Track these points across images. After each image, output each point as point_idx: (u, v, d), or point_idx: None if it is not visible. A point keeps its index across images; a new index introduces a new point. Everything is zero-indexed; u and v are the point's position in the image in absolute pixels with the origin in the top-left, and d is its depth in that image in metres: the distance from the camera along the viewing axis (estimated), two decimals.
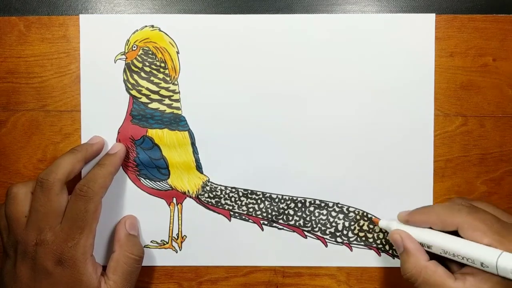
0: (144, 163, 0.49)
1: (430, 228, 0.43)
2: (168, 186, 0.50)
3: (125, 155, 0.49)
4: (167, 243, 0.50)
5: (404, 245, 0.43)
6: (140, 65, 0.49)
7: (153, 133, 0.49)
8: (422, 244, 0.43)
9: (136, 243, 0.48)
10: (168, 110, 0.49)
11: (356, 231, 0.50)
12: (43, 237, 0.43)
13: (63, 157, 0.45)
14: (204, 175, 0.50)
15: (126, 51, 0.49)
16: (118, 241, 0.47)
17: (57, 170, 0.44)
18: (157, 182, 0.50)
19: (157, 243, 0.50)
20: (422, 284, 0.41)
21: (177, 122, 0.49)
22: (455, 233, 0.41)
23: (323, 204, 0.49)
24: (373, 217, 0.49)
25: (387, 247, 0.49)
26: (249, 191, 0.50)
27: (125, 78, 0.49)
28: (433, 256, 0.42)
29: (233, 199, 0.50)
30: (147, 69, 0.49)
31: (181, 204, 0.50)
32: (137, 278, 0.47)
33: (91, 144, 0.48)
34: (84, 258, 0.43)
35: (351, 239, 0.50)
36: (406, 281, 0.42)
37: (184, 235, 0.50)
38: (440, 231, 0.42)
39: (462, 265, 0.41)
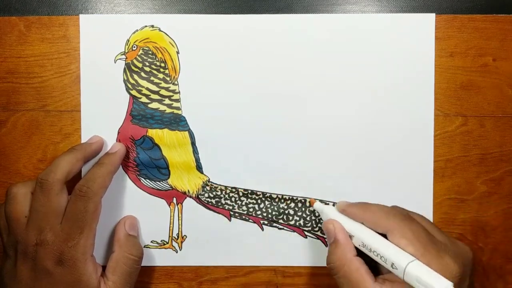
0: (144, 163, 0.49)
1: (363, 224, 0.43)
2: (168, 186, 0.50)
3: (124, 155, 0.49)
4: (167, 243, 0.50)
5: (335, 236, 0.43)
6: (140, 65, 0.49)
7: (153, 133, 0.49)
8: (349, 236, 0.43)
9: (136, 243, 0.47)
10: (168, 110, 0.49)
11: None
12: (43, 237, 0.43)
13: (62, 157, 0.45)
14: (204, 175, 0.50)
15: (126, 51, 0.49)
16: (118, 242, 0.47)
17: (56, 170, 0.44)
18: (157, 182, 0.49)
19: (157, 243, 0.50)
20: (342, 278, 0.41)
21: (177, 122, 0.49)
22: (384, 236, 0.41)
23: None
24: (310, 198, 0.49)
25: None
26: (249, 191, 0.49)
27: (125, 78, 0.49)
28: (365, 258, 0.42)
29: (233, 199, 0.49)
30: (147, 69, 0.49)
31: (181, 204, 0.50)
32: (137, 278, 0.47)
33: (90, 144, 0.48)
34: (84, 258, 0.43)
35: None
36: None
37: (184, 235, 0.50)
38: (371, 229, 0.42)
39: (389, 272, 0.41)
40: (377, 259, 0.40)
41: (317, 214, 0.49)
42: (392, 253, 0.39)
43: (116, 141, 0.49)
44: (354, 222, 0.43)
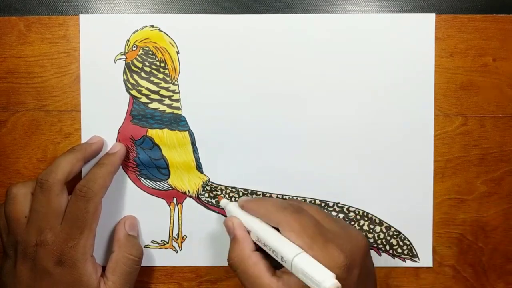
0: (144, 163, 0.49)
1: (260, 219, 0.43)
2: (168, 186, 0.49)
3: (125, 155, 0.48)
4: (167, 243, 0.50)
5: (234, 232, 0.43)
6: (140, 65, 0.49)
7: (153, 133, 0.49)
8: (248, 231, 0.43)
9: (135, 243, 0.47)
10: (168, 110, 0.49)
11: None
12: (43, 237, 0.43)
13: (62, 157, 0.45)
14: (204, 175, 0.49)
15: (126, 51, 0.49)
16: (117, 242, 0.47)
17: (56, 171, 0.44)
18: (157, 182, 0.49)
19: (157, 243, 0.50)
20: (241, 273, 0.41)
21: (177, 122, 0.49)
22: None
23: (323, 204, 0.49)
24: (218, 195, 0.49)
25: (387, 247, 0.49)
26: (249, 191, 0.49)
27: (125, 78, 0.49)
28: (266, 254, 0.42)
29: (233, 199, 0.49)
30: (147, 69, 0.49)
31: (181, 204, 0.49)
32: (136, 278, 0.47)
33: (90, 144, 0.48)
34: (84, 258, 0.43)
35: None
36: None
37: (184, 235, 0.50)
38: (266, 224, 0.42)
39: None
40: (270, 253, 0.40)
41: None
42: (281, 247, 0.39)
43: (116, 141, 0.49)
44: (252, 218, 0.43)
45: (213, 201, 0.50)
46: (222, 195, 0.49)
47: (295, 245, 0.39)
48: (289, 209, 0.41)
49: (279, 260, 0.39)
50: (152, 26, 0.49)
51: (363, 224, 0.49)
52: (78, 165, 0.45)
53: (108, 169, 0.46)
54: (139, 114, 0.49)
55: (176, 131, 0.49)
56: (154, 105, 0.49)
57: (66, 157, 0.45)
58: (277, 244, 0.39)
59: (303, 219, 0.40)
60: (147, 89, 0.49)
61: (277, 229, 0.41)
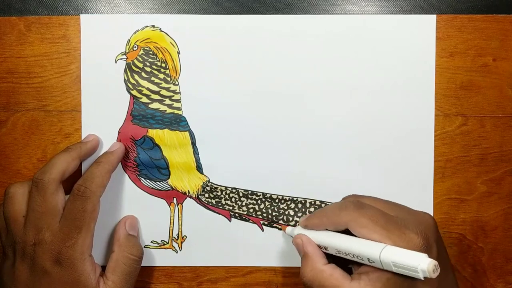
0: (144, 163, 0.49)
1: (327, 230, 0.42)
2: (168, 186, 0.49)
3: (123, 154, 0.48)
4: (167, 243, 0.49)
5: (303, 249, 0.42)
6: (141, 65, 0.49)
7: (154, 133, 0.49)
8: (320, 247, 0.42)
9: (136, 243, 0.47)
10: (169, 110, 0.49)
11: None
12: (41, 236, 0.42)
13: (57, 156, 0.45)
14: (205, 175, 0.49)
15: (127, 51, 0.48)
16: (118, 241, 0.46)
17: (51, 170, 0.43)
18: (158, 182, 0.49)
19: (157, 243, 0.49)
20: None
21: (177, 122, 0.49)
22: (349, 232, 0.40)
23: (323, 205, 0.49)
24: (282, 224, 0.49)
25: None
26: (250, 192, 0.49)
27: (126, 78, 0.49)
28: (337, 261, 0.41)
29: (233, 199, 0.49)
30: (148, 69, 0.49)
31: (182, 204, 0.49)
32: (136, 278, 0.46)
33: (85, 142, 0.47)
34: (82, 257, 0.43)
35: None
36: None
37: (184, 235, 0.49)
38: (336, 231, 0.41)
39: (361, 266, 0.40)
40: (356, 259, 0.39)
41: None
42: (363, 248, 0.38)
43: (117, 141, 0.49)
44: (321, 233, 0.42)
45: (213, 201, 0.49)
46: (285, 225, 0.49)
47: (373, 240, 0.38)
48: (350, 207, 0.40)
49: (366, 263, 0.38)
50: (153, 26, 0.49)
51: None
52: (73, 163, 0.45)
53: (105, 167, 0.45)
54: (140, 114, 0.49)
55: (177, 131, 0.49)
56: (154, 105, 0.49)
57: (61, 156, 0.45)
58: (359, 247, 0.38)
59: (369, 212, 0.39)
60: (148, 89, 0.49)
61: (346, 231, 0.40)
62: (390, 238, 0.37)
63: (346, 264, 0.41)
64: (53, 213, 0.43)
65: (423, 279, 0.35)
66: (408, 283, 0.37)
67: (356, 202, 0.41)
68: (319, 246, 0.42)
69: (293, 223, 0.49)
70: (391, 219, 0.39)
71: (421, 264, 0.35)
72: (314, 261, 0.41)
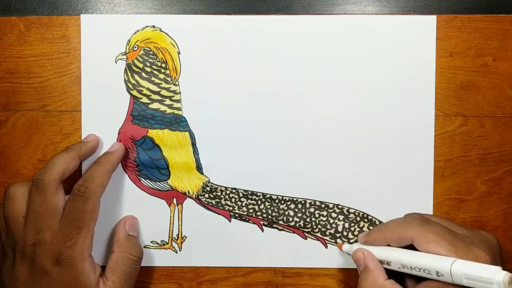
0: (144, 163, 0.49)
1: (388, 245, 0.43)
2: (168, 186, 0.49)
3: (123, 154, 0.48)
4: (167, 243, 0.49)
5: (365, 263, 0.43)
6: (141, 65, 0.48)
7: (154, 133, 0.49)
8: (382, 262, 0.42)
9: (135, 243, 0.47)
10: (169, 111, 0.49)
11: (356, 233, 0.49)
12: (41, 236, 0.42)
13: (57, 156, 0.45)
14: (205, 175, 0.49)
15: (127, 51, 0.48)
16: (117, 242, 0.46)
17: (51, 170, 0.43)
18: (158, 183, 0.49)
19: (157, 243, 0.49)
20: None
21: (177, 122, 0.49)
22: (412, 247, 0.41)
23: (323, 205, 0.49)
24: (338, 243, 0.49)
25: None
26: (250, 192, 0.49)
27: (126, 78, 0.48)
28: (394, 277, 0.42)
29: (233, 199, 0.49)
30: (148, 69, 0.48)
31: (181, 204, 0.49)
32: (136, 278, 0.46)
33: (85, 142, 0.47)
34: (82, 258, 0.42)
35: (351, 241, 0.49)
36: None
37: (184, 236, 0.49)
38: (398, 247, 0.42)
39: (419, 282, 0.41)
40: (421, 274, 0.39)
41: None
42: (432, 261, 0.38)
43: (117, 142, 0.49)
44: (382, 248, 0.43)
45: (213, 202, 0.49)
46: (341, 243, 0.49)
47: (441, 255, 0.39)
48: (415, 222, 0.41)
49: (433, 277, 0.38)
50: (153, 27, 0.48)
51: (363, 226, 0.49)
52: (73, 163, 0.45)
53: (105, 168, 0.45)
54: (140, 115, 0.49)
55: (177, 131, 0.49)
56: (154, 105, 0.49)
57: (60, 156, 0.45)
58: (426, 261, 0.39)
59: (435, 228, 0.40)
60: (148, 89, 0.49)
61: (410, 247, 0.41)
62: (457, 254, 0.38)
63: (403, 283, 0.42)
64: (53, 213, 0.43)
65: None
66: None
67: (422, 218, 0.42)
68: (381, 262, 0.43)
69: (293, 223, 0.49)
70: (458, 236, 0.40)
71: (497, 276, 0.35)
72: (375, 276, 0.42)
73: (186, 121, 0.49)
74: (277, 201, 0.49)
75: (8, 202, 0.44)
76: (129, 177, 0.49)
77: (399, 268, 0.41)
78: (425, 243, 0.40)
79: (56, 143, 0.49)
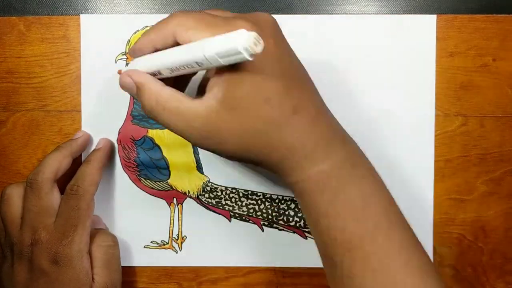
0: (144, 163, 0.48)
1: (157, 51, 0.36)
2: (168, 186, 0.49)
3: (112, 149, 0.48)
4: (167, 243, 0.49)
5: (135, 81, 0.36)
6: None
7: (154, 133, 0.49)
8: (153, 75, 0.36)
9: (104, 233, 0.46)
10: None
11: None
12: (37, 236, 0.42)
13: (49, 156, 0.44)
14: (205, 175, 0.49)
15: (127, 51, 0.48)
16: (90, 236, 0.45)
17: (44, 169, 0.43)
18: (158, 183, 0.49)
19: (157, 243, 0.49)
20: (166, 114, 0.35)
21: None
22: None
23: None
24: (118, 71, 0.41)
25: None
26: (250, 192, 0.49)
27: None
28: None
29: (233, 199, 0.49)
30: None
31: (182, 204, 0.49)
32: (120, 263, 0.46)
33: (75, 140, 0.47)
34: (79, 255, 0.42)
35: None
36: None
37: (184, 236, 0.49)
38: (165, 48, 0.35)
39: None
40: (187, 70, 0.34)
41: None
42: (188, 52, 0.33)
43: (117, 142, 0.48)
44: (149, 56, 0.37)
45: (214, 201, 0.49)
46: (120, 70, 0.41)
47: (199, 41, 0.32)
48: (177, 13, 0.35)
49: (197, 69, 0.33)
50: None
51: None
52: (65, 161, 0.45)
53: (95, 165, 0.45)
54: (140, 114, 0.49)
55: None
56: None
57: (52, 155, 0.44)
58: (186, 53, 0.33)
59: (195, 14, 0.34)
60: None
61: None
62: (216, 34, 0.32)
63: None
64: (49, 213, 0.43)
65: (250, 58, 0.30)
66: (248, 76, 0.33)
67: (183, 10, 0.36)
68: (153, 75, 0.37)
69: (293, 223, 0.49)
70: (221, 18, 0.34)
71: (239, 41, 0.29)
72: (150, 87, 0.36)
73: None
74: (277, 201, 0.49)
75: (4, 204, 0.44)
76: (129, 177, 0.49)
77: (170, 73, 0.35)
78: (185, 33, 0.33)
79: (56, 143, 0.49)
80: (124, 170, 0.49)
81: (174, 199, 0.49)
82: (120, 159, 0.49)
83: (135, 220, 0.49)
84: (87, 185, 0.44)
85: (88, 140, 0.48)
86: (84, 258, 0.43)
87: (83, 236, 0.43)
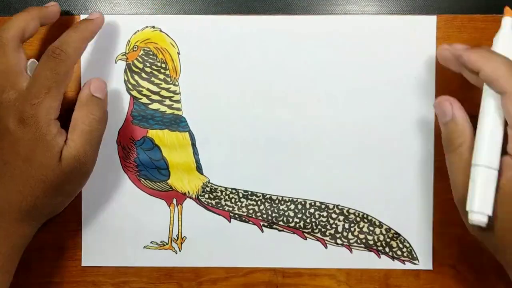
0: (144, 163, 0.48)
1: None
2: (168, 187, 0.49)
3: (102, 25, 0.46)
4: (167, 244, 0.49)
5: (453, 112, 0.41)
6: (141, 65, 0.48)
7: (154, 133, 0.48)
8: None
9: (98, 103, 0.44)
10: (169, 111, 0.48)
11: (356, 233, 0.48)
12: (5, 95, 0.40)
13: (16, 15, 0.43)
14: (205, 176, 0.49)
15: (127, 52, 0.48)
16: (79, 101, 0.44)
17: (9, 27, 0.42)
18: (157, 183, 0.49)
19: (157, 243, 0.49)
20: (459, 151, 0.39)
21: (177, 123, 0.48)
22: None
23: (323, 206, 0.48)
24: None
25: (387, 249, 0.48)
26: (249, 192, 0.49)
27: (126, 79, 0.48)
28: None
29: (233, 200, 0.49)
30: (148, 69, 0.48)
31: (181, 205, 0.49)
32: (100, 143, 0.45)
33: (46, 6, 0.45)
34: (47, 118, 0.41)
35: (351, 241, 0.48)
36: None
37: (184, 236, 0.49)
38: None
39: None
40: None
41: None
42: None
43: (117, 143, 0.48)
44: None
45: (213, 202, 0.49)
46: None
47: None
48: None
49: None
50: (153, 27, 0.48)
51: (363, 226, 0.48)
52: (33, 24, 0.43)
53: (83, 34, 0.43)
54: (140, 115, 0.49)
55: (177, 132, 0.48)
56: (154, 105, 0.48)
57: (19, 15, 0.43)
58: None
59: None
60: (148, 89, 0.48)
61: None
62: None
63: None
64: (16, 71, 0.41)
65: None
66: None
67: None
68: None
69: (293, 224, 0.48)
70: None
71: None
72: (463, 126, 0.41)
73: (186, 121, 0.49)
74: (277, 201, 0.49)
75: None
76: (129, 177, 0.49)
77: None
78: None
79: None
80: (124, 170, 0.49)
81: (174, 200, 0.49)
82: (120, 160, 0.49)
83: (135, 221, 0.49)
84: (71, 51, 0.42)
85: (59, 11, 0.46)
86: (52, 123, 0.41)
87: (54, 101, 0.41)
